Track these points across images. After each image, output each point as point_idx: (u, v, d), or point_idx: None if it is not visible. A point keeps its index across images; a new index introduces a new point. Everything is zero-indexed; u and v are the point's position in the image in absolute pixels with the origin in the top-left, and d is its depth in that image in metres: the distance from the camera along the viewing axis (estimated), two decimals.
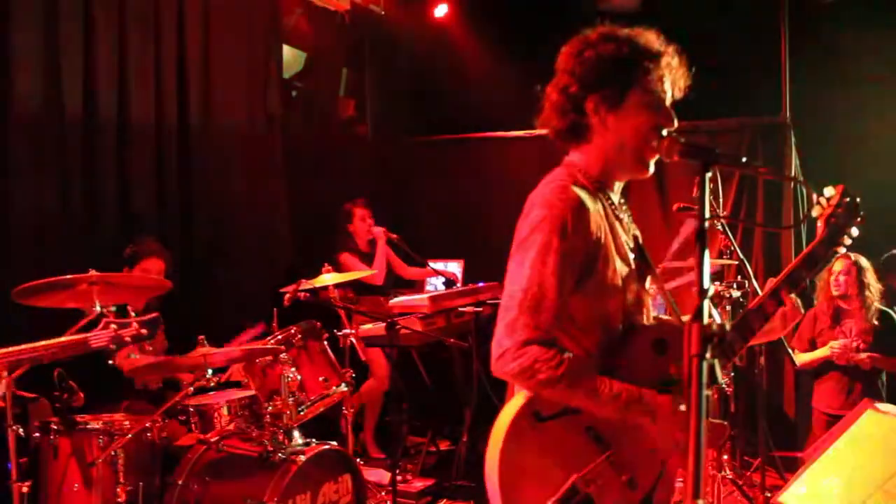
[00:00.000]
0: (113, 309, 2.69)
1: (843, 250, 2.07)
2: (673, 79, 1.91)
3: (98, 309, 2.67)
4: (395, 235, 5.60)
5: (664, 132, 1.82)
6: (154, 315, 2.76)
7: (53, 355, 2.55)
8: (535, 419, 1.79)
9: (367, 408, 5.62)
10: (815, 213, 2.07)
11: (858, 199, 2.04)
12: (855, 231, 2.04)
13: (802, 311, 2.07)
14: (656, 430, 1.81)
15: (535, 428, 1.79)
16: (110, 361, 2.65)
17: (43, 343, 2.51)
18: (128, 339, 2.62)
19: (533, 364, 1.74)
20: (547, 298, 1.76)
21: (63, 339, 2.56)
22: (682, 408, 1.73)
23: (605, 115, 1.87)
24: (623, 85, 1.85)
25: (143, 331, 2.67)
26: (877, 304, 4.59)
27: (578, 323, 1.85)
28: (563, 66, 1.91)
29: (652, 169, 1.93)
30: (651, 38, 1.88)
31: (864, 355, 4.50)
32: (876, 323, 4.56)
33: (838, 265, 4.61)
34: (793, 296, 2.02)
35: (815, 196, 2.08)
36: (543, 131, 2.00)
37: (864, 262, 4.60)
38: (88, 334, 2.58)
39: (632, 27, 1.90)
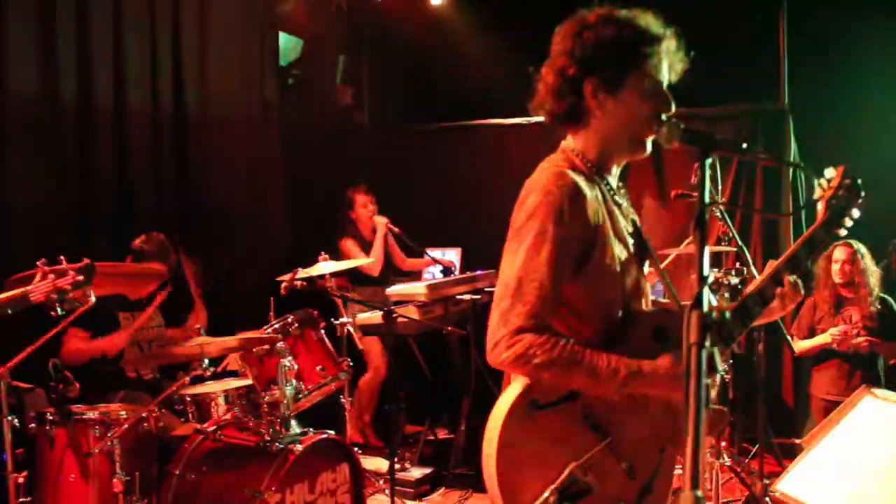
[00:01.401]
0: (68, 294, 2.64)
1: (843, 233, 2.05)
2: (671, 63, 1.88)
3: (92, 299, 2.64)
4: (397, 229, 5.55)
5: (663, 117, 1.80)
6: (86, 262, 2.72)
7: None
8: (532, 408, 1.77)
9: (363, 397, 5.62)
10: (815, 194, 2.04)
11: (860, 180, 2.01)
12: (856, 213, 2.02)
13: (802, 291, 2.04)
14: (659, 400, 1.79)
15: (533, 416, 1.77)
16: (52, 314, 2.60)
17: None
18: (67, 286, 2.59)
19: (527, 350, 1.72)
20: (541, 287, 1.74)
21: (2, 294, 2.53)
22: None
23: (604, 99, 1.84)
24: (623, 68, 1.83)
25: (80, 277, 2.63)
26: (877, 291, 4.59)
27: (578, 311, 1.83)
28: (561, 47, 1.87)
29: (650, 148, 1.90)
30: (651, 21, 1.85)
31: (863, 339, 4.51)
32: (878, 307, 4.57)
33: (840, 253, 4.60)
34: (793, 277, 2.00)
35: (815, 179, 2.06)
36: (541, 118, 1.97)
37: (863, 248, 4.60)
38: (28, 287, 2.55)
39: (630, 9, 1.87)
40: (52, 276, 2.58)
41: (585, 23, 1.85)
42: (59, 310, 2.58)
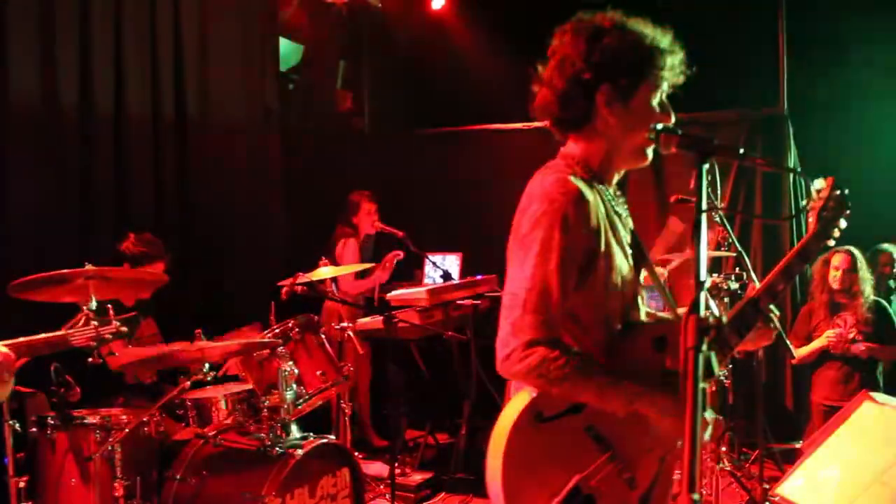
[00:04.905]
0: (93, 307, 2.66)
1: (832, 243, 2.07)
2: (673, 76, 1.88)
3: (93, 306, 2.65)
4: (400, 232, 5.52)
5: (659, 126, 1.80)
6: (133, 314, 2.75)
7: (33, 351, 2.52)
8: (536, 420, 1.76)
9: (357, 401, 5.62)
10: (806, 206, 2.07)
11: (847, 191, 2.03)
12: (843, 223, 2.04)
13: (778, 328, 2.06)
14: (662, 426, 1.79)
15: (537, 430, 1.77)
16: (90, 360, 2.62)
17: (24, 339, 2.49)
18: (108, 336, 2.61)
19: (540, 364, 1.71)
20: (551, 297, 1.73)
21: (43, 335, 2.54)
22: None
23: (616, 107, 1.83)
24: (638, 78, 1.82)
25: (124, 328, 2.65)
26: (871, 297, 4.61)
27: (581, 322, 1.82)
28: (573, 50, 1.83)
29: (650, 156, 1.91)
30: (662, 34, 1.85)
31: (861, 345, 4.52)
32: (872, 313, 4.59)
33: (840, 261, 4.62)
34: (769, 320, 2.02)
35: (812, 184, 2.07)
36: (541, 123, 1.96)
37: (858, 254, 4.62)
38: (69, 331, 2.57)
39: (633, 18, 1.86)
40: (95, 322, 2.60)
41: (602, 28, 1.82)
42: (97, 355, 2.61)
